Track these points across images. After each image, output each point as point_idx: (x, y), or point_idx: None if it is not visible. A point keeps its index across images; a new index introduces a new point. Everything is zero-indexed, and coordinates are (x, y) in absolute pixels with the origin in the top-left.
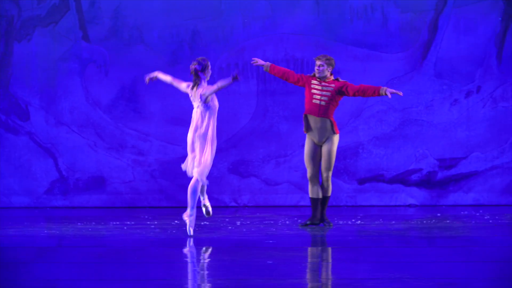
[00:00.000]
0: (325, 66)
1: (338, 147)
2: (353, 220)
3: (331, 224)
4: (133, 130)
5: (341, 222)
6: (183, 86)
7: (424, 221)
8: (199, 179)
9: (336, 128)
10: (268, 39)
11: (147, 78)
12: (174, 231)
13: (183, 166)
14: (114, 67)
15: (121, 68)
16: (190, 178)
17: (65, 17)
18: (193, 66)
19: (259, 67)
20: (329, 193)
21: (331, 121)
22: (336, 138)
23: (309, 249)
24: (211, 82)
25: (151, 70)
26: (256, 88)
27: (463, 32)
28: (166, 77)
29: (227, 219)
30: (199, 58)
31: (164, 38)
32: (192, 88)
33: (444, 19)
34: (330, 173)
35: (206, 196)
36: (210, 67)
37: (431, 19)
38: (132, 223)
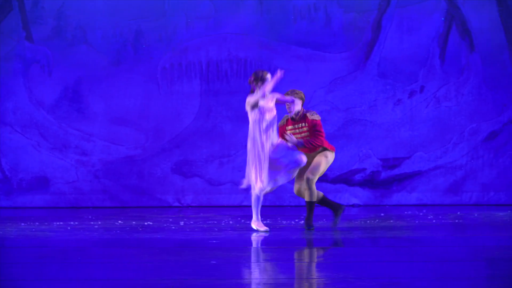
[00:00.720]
0: (296, 102)
1: None
2: (297, 220)
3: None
4: (77, 130)
5: (284, 222)
6: None
7: (368, 221)
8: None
9: (328, 146)
10: (211, 39)
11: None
12: (117, 231)
13: None
14: (57, 67)
15: (64, 68)
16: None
17: (8, 17)
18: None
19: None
20: (307, 198)
21: (322, 147)
22: (329, 152)
23: (252, 249)
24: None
25: (94, 70)
26: (200, 88)
27: (406, 32)
28: None
29: (170, 219)
30: (257, 70)
31: (108, 38)
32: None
33: (388, 19)
34: (313, 178)
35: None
36: (263, 79)
37: (374, 19)
38: (76, 223)
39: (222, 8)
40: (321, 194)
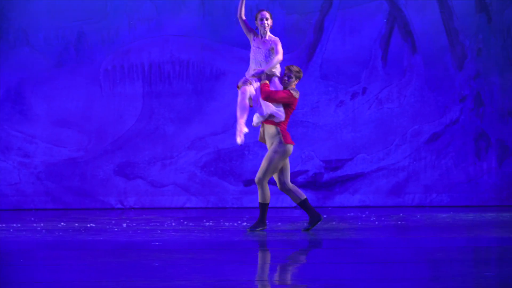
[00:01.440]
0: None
1: (224, 148)
2: (239, 222)
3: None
4: (19, 132)
5: (227, 224)
6: None
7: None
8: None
9: (282, 132)
10: (153, 40)
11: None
12: (60, 233)
13: None
14: None
15: (6, 70)
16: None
17: None
18: None
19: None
20: (260, 199)
21: (277, 134)
22: (279, 146)
23: (195, 250)
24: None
25: (36, 72)
26: (142, 90)
27: (348, 33)
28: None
29: (113, 221)
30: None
31: (50, 39)
32: None
33: (330, 20)
34: (262, 178)
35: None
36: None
37: (316, 20)
38: (18, 225)
39: (164, 9)
40: (303, 197)
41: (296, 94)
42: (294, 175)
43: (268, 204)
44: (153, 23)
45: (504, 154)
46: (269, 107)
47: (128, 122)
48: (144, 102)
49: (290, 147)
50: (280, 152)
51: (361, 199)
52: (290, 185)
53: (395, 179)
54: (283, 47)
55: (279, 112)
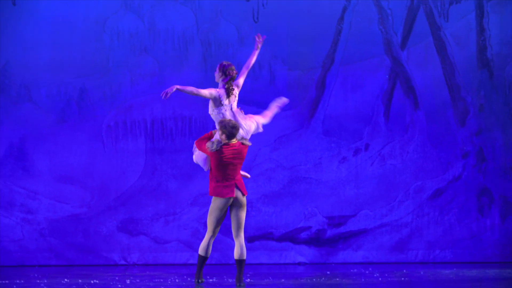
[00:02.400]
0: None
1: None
2: (247, 280)
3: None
4: (22, 188)
5: (230, 280)
6: None
7: (314, 279)
8: None
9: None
10: (156, 96)
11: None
12: None
13: None
14: (1, 125)
15: (9, 126)
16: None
17: None
18: None
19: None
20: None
21: None
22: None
23: None
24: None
25: (39, 128)
26: (144, 146)
27: (350, 89)
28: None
29: (116, 278)
30: None
31: (52, 96)
32: None
33: (332, 76)
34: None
35: None
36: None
37: (318, 76)
38: (22, 281)
39: (166, 65)
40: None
41: (212, 147)
42: (297, 231)
43: (205, 257)
44: (156, 79)
45: (507, 210)
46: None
47: (131, 178)
48: (146, 158)
49: (216, 199)
50: (211, 204)
51: (364, 255)
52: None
53: (398, 235)
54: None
55: (199, 162)
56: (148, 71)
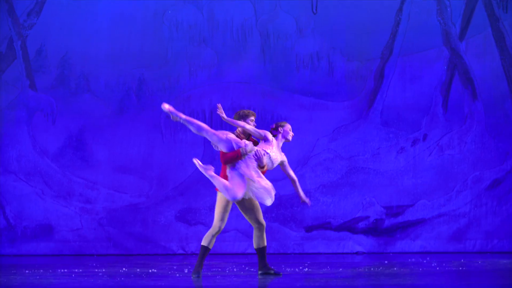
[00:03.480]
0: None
1: (286, 194)
2: (301, 268)
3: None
4: (81, 178)
5: (288, 270)
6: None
7: (372, 269)
8: None
9: None
10: (214, 87)
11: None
12: (122, 279)
13: None
14: (61, 116)
15: (68, 117)
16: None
17: (12, 66)
18: None
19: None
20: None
21: None
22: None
23: None
24: None
25: (98, 118)
26: (203, 137)
27: (409, 80)
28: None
29: (175, 267)
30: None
31: (111, 86)
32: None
33: (390, 67)
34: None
35: None
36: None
37: (377, 67)
38: (80, 270)
39: (224, 57)
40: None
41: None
42: (355, 221)
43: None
44: (214, 70)
45: None
46: None
47: (189, 168)
48: (205, 148)
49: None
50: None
51: (422, 245)
52: None
53: (456, 225)
54: (344, 93)
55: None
56: (207, 62)
